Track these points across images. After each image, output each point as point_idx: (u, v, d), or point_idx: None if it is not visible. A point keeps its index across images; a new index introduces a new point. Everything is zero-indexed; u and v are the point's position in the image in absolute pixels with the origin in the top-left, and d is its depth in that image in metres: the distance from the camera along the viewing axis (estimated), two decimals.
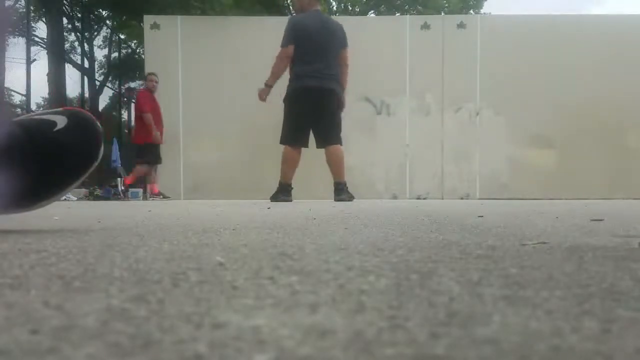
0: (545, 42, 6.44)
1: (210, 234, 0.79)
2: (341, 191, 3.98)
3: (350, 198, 3.98)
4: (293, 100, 3.94)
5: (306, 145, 4.04)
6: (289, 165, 4.08)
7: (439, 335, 0.23)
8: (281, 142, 4.03)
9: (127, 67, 17.92)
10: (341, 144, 4.04)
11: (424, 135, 6.41)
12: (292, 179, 4.09)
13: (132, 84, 17.59)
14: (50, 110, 0.96)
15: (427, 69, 6.39)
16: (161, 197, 5.93)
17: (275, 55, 4.00)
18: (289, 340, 0.23)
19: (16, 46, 9.19)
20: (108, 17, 17.21)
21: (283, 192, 4.04)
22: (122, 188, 6.18)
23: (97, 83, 18.15)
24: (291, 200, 4.01)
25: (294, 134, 4.00)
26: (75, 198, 6.28)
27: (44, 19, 15.25)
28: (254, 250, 0.58)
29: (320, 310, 0.29)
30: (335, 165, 4.04)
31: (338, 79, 3.98)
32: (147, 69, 6.62)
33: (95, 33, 18.44)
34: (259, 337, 0.23)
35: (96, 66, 19.25)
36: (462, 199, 6.18)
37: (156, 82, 6.04)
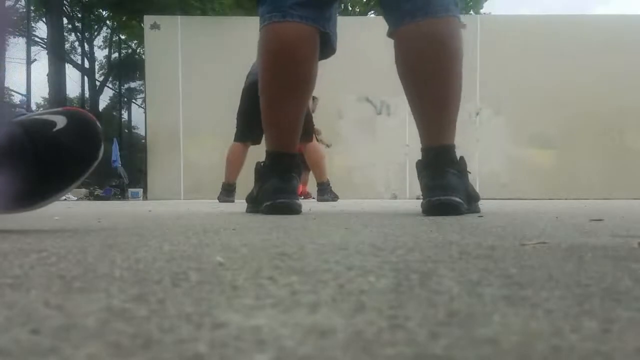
0: (545, 42, 6.44)
1: (210, 234, 0.79)
2: (324, 191, 3.98)
3: (335, 198, 3.97)
4: None
5: None
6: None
7: (439, 335, 0.23)
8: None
9: (127, 67, 17.97)
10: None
11: None
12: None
13: (133, 84, 17.59)
14: (50, 110, 0.96)
15: None
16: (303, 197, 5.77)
17: None
18: (289, 340, 0.23)
19: (16, 46, 9.19)
20: (108, 18, 17.24)
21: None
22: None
23: (98, 83, 18.18)
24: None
25: None
26: (75, 198, 6.29)
27: (44, 19, 15.26)
28: (254, 250, 0.58)
29: (320, 310, 0.29)
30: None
31: None
32: (147, 69, 6.62)
33: (96, 33, 18.47)
34: (259, 337, 0.23)
35: (96, 66, 19.27)
36: None
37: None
